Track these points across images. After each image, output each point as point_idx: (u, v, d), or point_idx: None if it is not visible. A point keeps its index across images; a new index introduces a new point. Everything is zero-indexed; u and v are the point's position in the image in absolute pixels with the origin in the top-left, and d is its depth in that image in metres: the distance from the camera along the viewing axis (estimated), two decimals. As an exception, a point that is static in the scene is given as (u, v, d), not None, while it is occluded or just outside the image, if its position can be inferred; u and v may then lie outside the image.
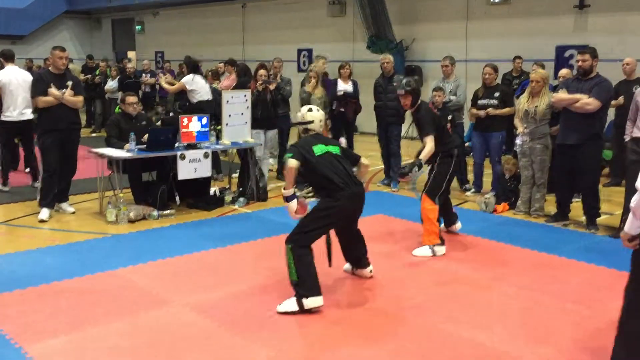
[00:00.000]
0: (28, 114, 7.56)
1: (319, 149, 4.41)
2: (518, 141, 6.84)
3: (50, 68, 6.85)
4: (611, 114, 7.48)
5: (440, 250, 5.43)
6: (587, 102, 6.06)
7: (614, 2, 10.28)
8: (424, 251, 5.43)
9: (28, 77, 7.44)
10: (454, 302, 4.41)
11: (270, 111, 8.11)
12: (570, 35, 10.79)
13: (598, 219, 6.42)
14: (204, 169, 6.98)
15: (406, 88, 5.54)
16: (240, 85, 8.50)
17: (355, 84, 8.92)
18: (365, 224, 6.54)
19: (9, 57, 7.80)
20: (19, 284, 4.65)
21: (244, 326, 3.99)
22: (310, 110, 4.65)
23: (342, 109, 8.73)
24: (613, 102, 7.41)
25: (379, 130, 8.54)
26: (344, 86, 8.90)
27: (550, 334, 3.90)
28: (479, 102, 7.68)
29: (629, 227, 2.96)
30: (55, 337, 3.81)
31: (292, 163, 4.27)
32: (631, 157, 5.95)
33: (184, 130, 6.95)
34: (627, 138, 6.08)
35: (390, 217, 6.86)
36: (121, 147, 6.72)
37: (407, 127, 9.15)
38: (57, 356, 3.59)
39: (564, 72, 7.47)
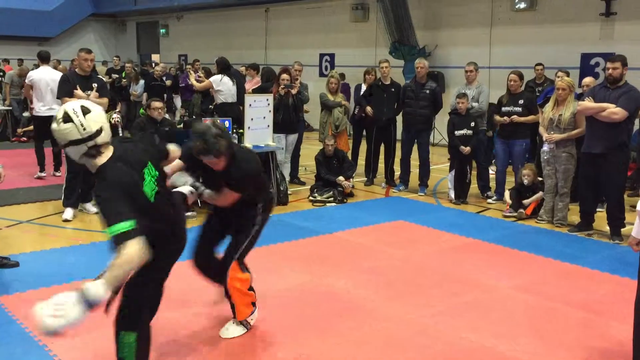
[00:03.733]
0: (56, 110, 7.71)
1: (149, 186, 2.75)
2: (545, 148, 6.77)
3: (76, 70, 6.96)
4: (637, 123, 7.37)
5: (254, 315, 4.05)
6: (614, 111, 5.98)
7: (640, 10, 10.15)
8: (236, 331, 3.97)
9: (57, 77, 7.69)
10: (475, 311, 4.37)
11: (291, 115, 8.14)
12: (596, 43, 10.67)
13: (622, 229, 6.32)
14: (226, 172, 7.00)
15: (214, 152, 3.34)
16: (262, 89, 8.55)
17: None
18: (386, 230, 6.57)
19: (45, 58, 8.67)
20: (44, 282, 4.71)
21: (264, 328, 3.99)
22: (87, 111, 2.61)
23: (364, 114, 8.74)
24: (640, 111, 7.30)
25: (406, 136, 8.48)
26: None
27: (572, 344, 3.85)
28: (503, 109, 7.62)
29: (637, 232, 3.01)
30: (77, 335, 3.84)
31: (135, 246, 2.46)
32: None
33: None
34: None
35: (410, 224, 6.83)
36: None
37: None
38: (80, 353, 3.64)
39: (587, 80, 7.38)
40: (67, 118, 2.56)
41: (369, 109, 8.58)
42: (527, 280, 5.05)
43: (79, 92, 6.56)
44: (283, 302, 4.48)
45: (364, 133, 8.98)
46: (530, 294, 4.73)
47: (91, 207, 7.05)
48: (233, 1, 17.67)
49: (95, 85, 6.69)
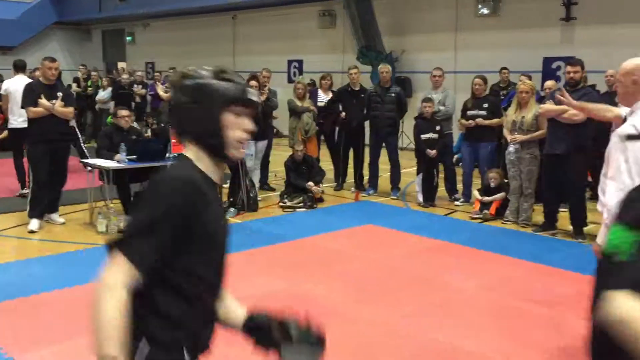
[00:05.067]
0: None
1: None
2: (510, 149, 6.92)
3: (40, 79, 6.86)
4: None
5: None
6: (574, 113, 6.14)
7: (599, 15, 10.44)
8: None
9: None
10: (444, 311, 4.45)
11: (260, 122, 8.14)
12: (557, 47, 10.94)
13: (585, 228, 6.50)
14: (195, 180, 6.98)
15: None
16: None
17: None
18: (355, 235, 6.63)
19: (20, 68, 8.15)
20: (9, 294, 4.64)
21: (235, 337, 4.00)
22: None
23: (322, 121, 8.85)
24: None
25: (374, 140, 8.60)
26: (324, 97, 9.03)
27: (537, 342, 3.94)
28: (468, 112, 7.76)
29: (603, 240, 3.05)
30: (46, 348, 3.80)
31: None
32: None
33: (174, 141, 6.97)
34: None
35: (380, 227, 6.90)
36: (111, 158, 6.73)
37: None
38: None
39: (549, 83, 7.57)
40: None
41: (343, 114, 8.68)
42: (494, 279, 5.16)
43: (43, 101, 6.47)
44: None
45: (322, 138, 9.12)
46: (496, 293, 4.83)
47: (57, 217, 6.95)
48: (200, 8, 17.61)
49: (60, 94, 6.61)
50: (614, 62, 9.26)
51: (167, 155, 6.95)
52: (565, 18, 10.90)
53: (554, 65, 10.83)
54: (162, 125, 10.15)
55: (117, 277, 1.62)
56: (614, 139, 3.07)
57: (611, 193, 2.99)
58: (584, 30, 10.72)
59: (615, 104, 6.67)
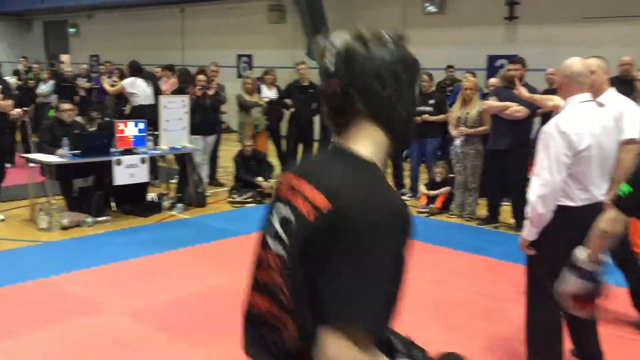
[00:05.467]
0: None
1: None
2: (457, 142, 7.07)
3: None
4: (537, 121, 7.82)
5: None
6: (516, 109, 6.34)
7: (541, 14, 10.77)
8: None
9: None
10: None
11: (209, 117, 8.08)
12: (500, 46, 11.22)
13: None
14: (141, 175, 6.88)
15: None
16: (179, 91, 8.44)
17: (279, 90, 9.11)
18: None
19: None
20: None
21: (180, 331, 3.97)
22: None
23: (267, 116, 8.86)
24: (539, 110, 7.75)
25: (323, 135, 8.68)
26: (267, 93, 9.04)
27: (479, 332, 4.07)
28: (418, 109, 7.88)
29: (527, 234, 3.18)
30: (21, 335, 3.69)
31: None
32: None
33: (119, 135, 6.84)
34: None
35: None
36: (53, 153, 6.54)
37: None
38: (25, 354, 3.49)
39: (493, 80, 7.78)
40: None
41: (288, 102, 8.69)
42: (439, 272, 5.27)
43: (-20, 93, 6.24)
44: (206, 303, 4.47)
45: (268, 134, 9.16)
46: (441, 285, 4.94)
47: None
48: (147, 0, 17.26)
49: (-1, 86, 6.39)
50: (555, 61, 9.60)
51: (110, 149, 6.80)
52: (508, 17, 11.20)
53: (498, 63, 11.10)
54: (108, 119, 9.92)
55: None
56: (540, 135, 3.20)
57: (533, 188, 3.13)
58: (526, 30, 11.03)
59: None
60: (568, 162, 3.02)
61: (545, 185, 3.05)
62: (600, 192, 3.21)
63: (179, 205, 7.40)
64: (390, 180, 8.38)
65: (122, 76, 10.22)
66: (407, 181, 8.42)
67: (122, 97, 9.50)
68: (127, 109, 8.94)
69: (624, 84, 6.38)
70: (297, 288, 1.27)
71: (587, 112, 3.19)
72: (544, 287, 3.14)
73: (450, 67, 10.45)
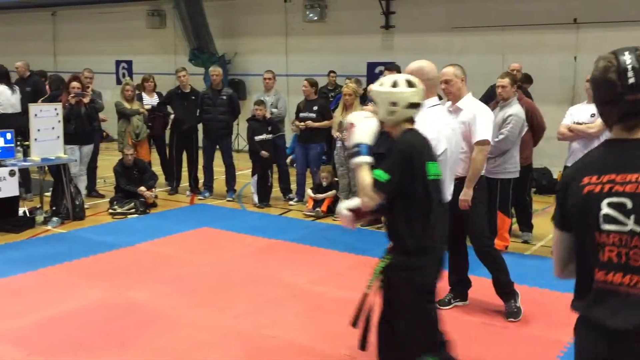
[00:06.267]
0: None
1: (431, 169, 2.82)
2: (338, 144, 7.24)
3: None
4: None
5: None
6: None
7: (414, 25, 11.33)
8: None
9: None
10: (276, 308, 4.56)
11: (84, 125, 7.72)
12: (378, 53, 11.68)
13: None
14: (11, 188, 6.45)
15: None
16: (52, 99, 8.00)
17: (161, 97, 8.95)
18: (190, 238, 6.55)
19: None
20: None
21: (56, 354, 3.76)
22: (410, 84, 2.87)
23: (150, 123, 8.66)
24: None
25: (207, 143, 8.54)
26: (148, 100, 8.84)
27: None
28: (301, 114, 8.02)
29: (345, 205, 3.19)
30: None
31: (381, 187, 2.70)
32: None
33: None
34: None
35: (215, 230, 6.88)
36: None
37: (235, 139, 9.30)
38: None
39: (371, 87, 8.04)
40: (411, 84, 2.84)
41: (170, 113, 8.53)
42: (324, 274, 5.38)
43: None
44: (83, 321, 4.26)
45: (151, 142, 8.96)
46: (326, 286, 5.05)
47: None
48: (14, 2, 16.18)
49: None
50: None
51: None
52: (385, 26, 11.68)
53: (377, 70, 11.54)
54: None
55: None
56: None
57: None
58: (401, 38, 11.56)
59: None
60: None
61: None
62: (448, 192, 3.43)
63: (54, 219, 7.00)
64: (277, 185, 8.46)
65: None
66: (293, 186, 8.52)
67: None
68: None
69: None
70: None
71: (438, 116, 3.39)
72: None
73: (332, 72, 10.72)
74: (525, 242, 6.47)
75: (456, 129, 3.48)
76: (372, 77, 11.39)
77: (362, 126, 2.86)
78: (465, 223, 4.42)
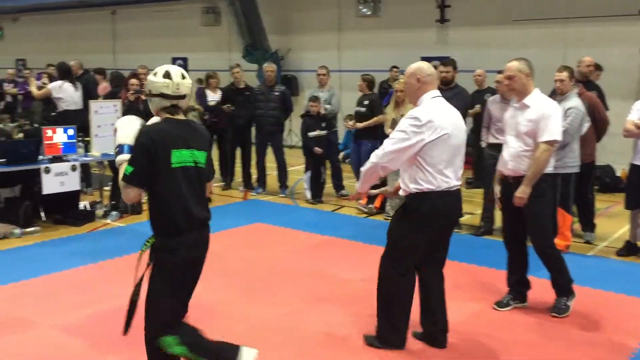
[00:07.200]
0: None
1: (177, 157, 2.90)
2: None
3: None
4: (469, 121, 8.04)
5: None
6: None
7: (470, 18, 11.09)
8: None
9: None
10: (330, 304, 4.54)
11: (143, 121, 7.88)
12: (433, 48, 11.49)
13: (461, 219, 6.87)
14: (72, 183, 6.65)
15: None
16: (111, 95, 8.21)
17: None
18: (242, 234, 6.60)
19: None
20: None
21: (116, 345, 3.85)
22: (184, 77, 2.96)
23: (215, 119, 8.73)
24: (470, 110, 7.97)
25: (259, 139, 8.59)
26: (213, 96, 8.93)
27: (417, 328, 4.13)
28: (354, 108, 7.98)
29: (360, 187, 3.95)
30: None
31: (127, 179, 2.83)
32: (489, 160, 6.47)
33: (47, 142, 6.59)
34: (483, 144, 6.60)
35: (268, 225, 6.91)
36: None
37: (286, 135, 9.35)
38: None
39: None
40: (168, 75, 2.90)
41: (226, 107, 8.57)
42: (376, 272, 5.31)
43: None
44: (140, 315, 4.33)
45: (214, 137, 8.97)
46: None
47: None
48: (77, 2, 16.72)
49: None
50: (483, 62, 9.93)
51: (39, 157, 6.54)
52: (440, 20, 11.47)
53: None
54: (35, 125, 9.54)
55: None
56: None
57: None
58: (456, 32, 11.34)
59: (484, 102, 7.16)
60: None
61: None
62: (455, 177, 3.65)
63: (114, 213, 7.19)
64: (330, 182, 8.44)
65: (52, 79, 9.85)
66: (345, 182, 8.48)
67: (50, 103, 9.16)
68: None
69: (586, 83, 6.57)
70: None
71: (438, 105, 3.64)
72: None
73: (394, 67, 10.59)
74: (588, 242, 6.24)
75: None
76: (427, 72, 11.20)
77: (124, 128, 3.00)
78: (527, 222, 4.29)
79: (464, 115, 6.76)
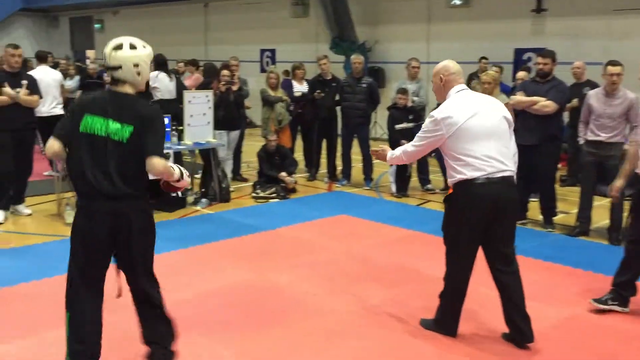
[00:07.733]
0: (58, 110, 8.49)
1: (88, 122, 2.97)
2: None
3: (4, 66, 6.67)
4: (565, 115, 7.66)
5: None
6: (545, 104, 6.21)
7: (569, 7, 10.55)
8: None
9: (57, 76, 8.76)
10: (415, 300, 4.47)
11: (233, 112, 8.07)
12: (528, 39, 11.04)
13: (555, 218, 6.58)
14: (166, 170, 6.89)
15: None
16: (203, 86, 8.45)
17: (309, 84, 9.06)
18: (328, 225, 6.62)
19: (42, 58, 8.72)
20: (-27, 288, 4.52)
21: (208, 328, 3.96)
22: (118, 48, 3.24)
23: (300, 110, 8.78)
24: (568, 104, 7.59)
25: (345, 131, 8.58)
26: (299, 87, 8.97)
27: (502, 326, 3.98)
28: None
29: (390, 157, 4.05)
30: (10, 343, 3.71)
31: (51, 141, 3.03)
32: (586, 158, 6.14)
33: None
34: (581, 140, 6.27)
35: (352, 218, 6.89)
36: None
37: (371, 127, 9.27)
38: None
39: (521, 74, 7.61)
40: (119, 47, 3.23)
41: (317, 94, 8.60)
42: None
43: (7, 89, 6.30)
44: (227, 300, 4.45)
45: (299, 128, 9.05)
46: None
47: (23, 209, 6.80)
48: (171, -4, 17.35)
49: (24, 82, 6.44)
50: (582, 54, 9.43)
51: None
52: (536, 9, 10.99)
53: (525, 57, 10.93)
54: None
55: None
56: None
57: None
58: (554, 22, 10.82)
59: (582, 96, 6.79)
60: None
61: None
62: (504, 165, 3.75)
63: (203, 200, 7.41)
64: (415, 176, 8.30)
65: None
66: (432, 176, 8.32)
67: (145, 92, 9.54)
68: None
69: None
70: None
71: (465, 97, 3.68)
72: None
73: (483, 58, 10.27)
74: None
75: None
76: (520, 64, 10.82)
77: None
78: None
79: (562, 110, 6.48)
